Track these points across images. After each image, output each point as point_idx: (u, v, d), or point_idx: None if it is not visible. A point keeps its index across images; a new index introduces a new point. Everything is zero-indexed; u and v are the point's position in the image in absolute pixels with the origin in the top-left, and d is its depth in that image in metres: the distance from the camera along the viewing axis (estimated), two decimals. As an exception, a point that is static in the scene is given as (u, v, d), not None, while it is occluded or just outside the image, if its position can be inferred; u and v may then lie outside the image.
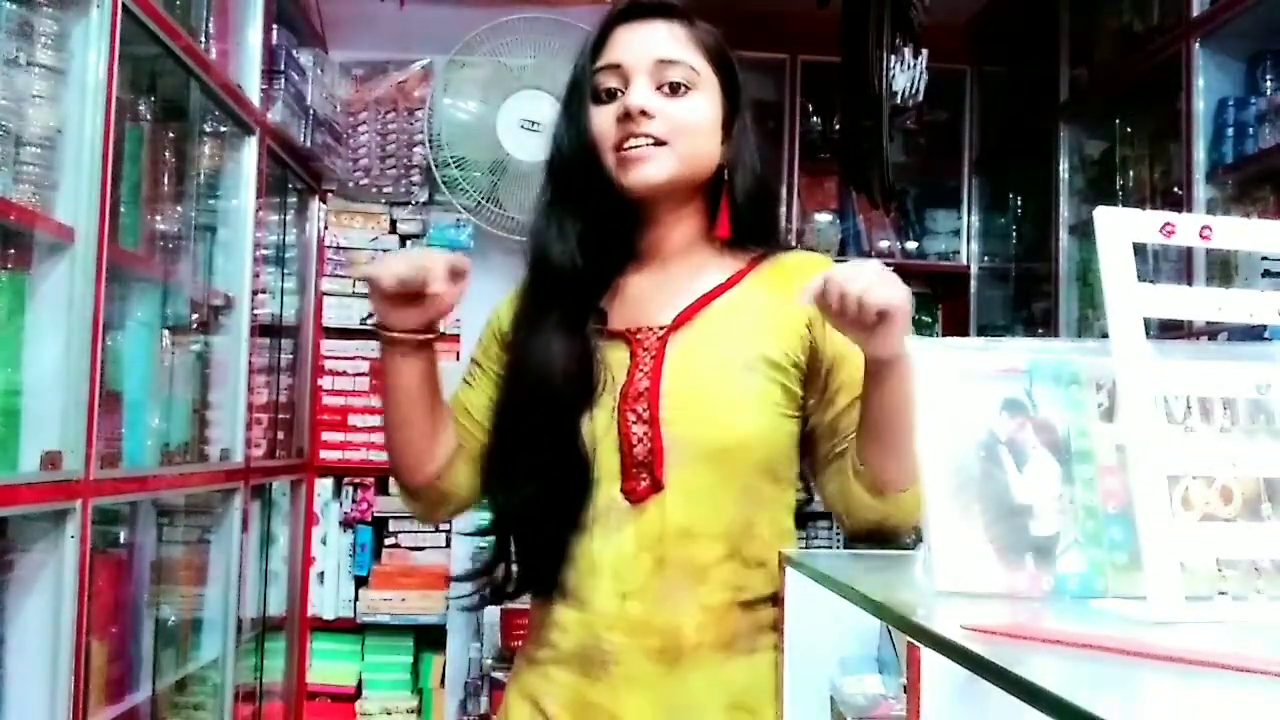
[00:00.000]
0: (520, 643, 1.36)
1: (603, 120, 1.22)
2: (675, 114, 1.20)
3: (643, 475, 1.19)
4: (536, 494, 1.21)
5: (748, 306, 1.24)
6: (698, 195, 1.26)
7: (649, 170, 1.20)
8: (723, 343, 1.22)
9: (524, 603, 1.32)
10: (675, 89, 1.21)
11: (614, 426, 1.20)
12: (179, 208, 2.34)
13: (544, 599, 1.25)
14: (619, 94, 1.21)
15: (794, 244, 1.35)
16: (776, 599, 1.09)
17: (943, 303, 4.41)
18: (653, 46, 1.21)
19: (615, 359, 1.23)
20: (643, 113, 1.18)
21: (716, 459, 1.19)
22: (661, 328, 1.23)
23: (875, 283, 1.01)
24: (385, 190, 3.46)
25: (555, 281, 1.24)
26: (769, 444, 1.21)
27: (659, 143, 1.19)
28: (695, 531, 1.19)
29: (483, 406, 1.30)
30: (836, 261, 1.13)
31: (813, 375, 1.22)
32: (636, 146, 1.19)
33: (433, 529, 3.35)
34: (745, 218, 1.26)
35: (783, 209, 4.00)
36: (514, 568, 1.29)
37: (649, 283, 1.27)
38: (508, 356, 1.28)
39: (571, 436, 1.20)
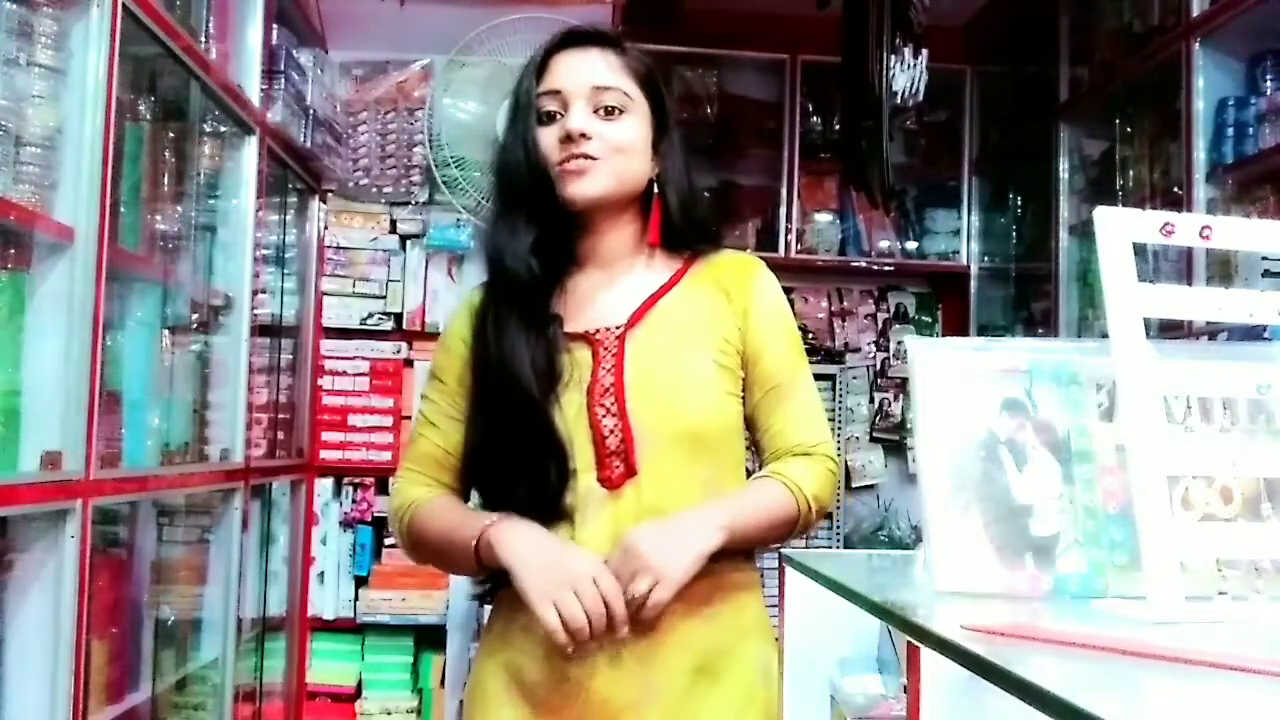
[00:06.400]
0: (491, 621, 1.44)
1: (547, 140, 1.35)
2: (609, 135, 1.34)
3: (616, 463, 1.32)
4: (520, 484, 1.31)
5: (692, 303, 1.39)
6: (632, 206, 1.40)
7: (586, 184, 1.34)
8: (675, 337, 1.37)
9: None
10: (610, 112, 1.35)
11: (584, 420, 1.32)
12: (179, 208, 2.34)
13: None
14: (559, 116, 1.36)
15: (722, 244, 1.46)
16: (731, 555, 1.28)
17: (943, 303, 4.41)
18: (590, 74, 1.36)
19: (579, 358, 1.35)
20: (582, 135, 1.33)
21: (682, 441, 1.32)
22: (618, 327, 1.37)
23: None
24: (385, 190, 3.46)
25: (512, 285, 1.36)
26: (724, 423, 1.36)
27: (594, 159, 1.34)
28: (667, 508, 1.30)
29: (459, 444, 1.39)
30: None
31: (744, 364, 1.39)
32: (575, 162, 1.33)
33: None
34: (676, 225, 1.41)
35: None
36: None
37: (593, 285, 1.40)
38: (477, 362, 1.38)
39: (547, 427, 1.31)
